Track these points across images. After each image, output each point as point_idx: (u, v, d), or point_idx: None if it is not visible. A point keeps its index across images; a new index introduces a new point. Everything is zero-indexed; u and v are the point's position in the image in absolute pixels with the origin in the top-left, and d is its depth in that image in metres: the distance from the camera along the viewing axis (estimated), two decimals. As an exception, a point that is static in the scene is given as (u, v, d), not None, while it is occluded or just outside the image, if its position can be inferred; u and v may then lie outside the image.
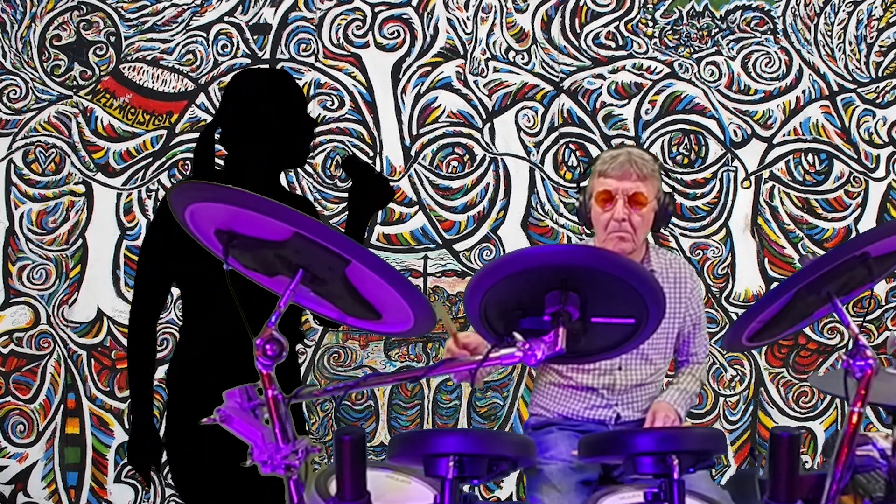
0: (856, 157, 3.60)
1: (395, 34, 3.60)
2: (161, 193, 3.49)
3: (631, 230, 2.41)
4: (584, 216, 2.52)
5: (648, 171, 2.41)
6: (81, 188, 3.58)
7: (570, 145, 3.61)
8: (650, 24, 3.59)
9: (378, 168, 3.59)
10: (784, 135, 3.61)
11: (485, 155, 3.61)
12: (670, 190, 2.51)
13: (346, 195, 3.57)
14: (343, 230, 2.51)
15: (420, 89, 3.60)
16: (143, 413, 2.42)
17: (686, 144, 3.61)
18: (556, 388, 2.57)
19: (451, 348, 2.23)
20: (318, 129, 3.58)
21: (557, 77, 3.60)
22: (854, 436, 1.57)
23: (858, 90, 3.60)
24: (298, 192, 3.57)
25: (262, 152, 2.40)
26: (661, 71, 3.60)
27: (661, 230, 2.58)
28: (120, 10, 3.58)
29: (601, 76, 3.60)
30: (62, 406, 3.59)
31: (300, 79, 3.58)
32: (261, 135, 2.38)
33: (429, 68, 3.60)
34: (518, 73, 3.61)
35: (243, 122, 2.38)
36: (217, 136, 2.44)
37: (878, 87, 3.60)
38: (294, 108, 2.42)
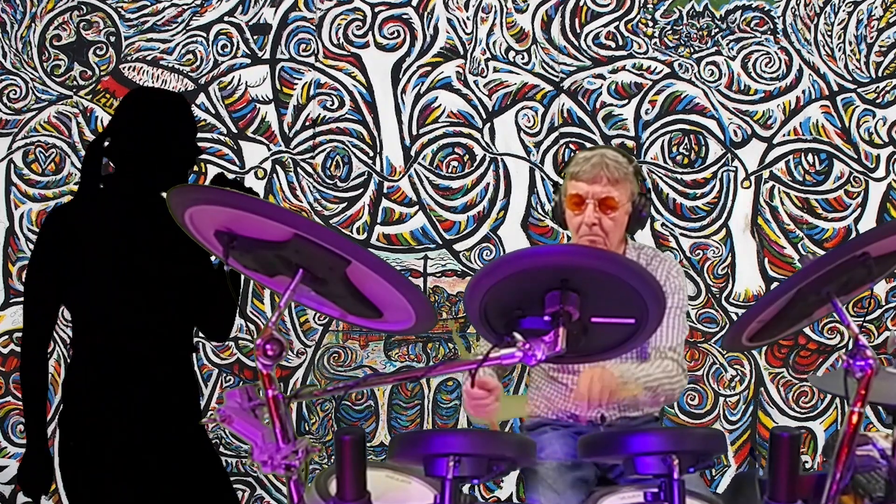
0: (856, 157, 3.60)
1: (395, 34, 3.60)
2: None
3: (602, 234, 2.39)
4: (559, 217, 2.51)
5: (621, 174, 2.39)
6: (81, 188, 3.57)
7: (570, 145, 3.61)
8: (650, 24, 3.59)
9: (378, 167, 3.59)
10: (784, 135, 3.61)
11: (485, 155, 3.61)
12: (646, 192, 2.48)
13: (346, 195, 3.59)
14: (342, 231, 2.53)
15: (420, 89, 3.60)
16: (40, 437, 2.40)
17: (686, 144, 3.61)
18: (547, 387, 2.57)
19: (467, 391, 2.24)
20: (318, 129, 3.59)
21: (557, 77, 3.60)
22: (854, 436, 1.57)
23: (858, 90, 3.60)
24: (298, 191, 3.57)
25: (144, 172, 2.41)
26: (661, 71, 3.60)
27: (658, 230, 2.55)
28: (120, 10, 3.58)
29: (601, 76, 3.60)
30: (62, 406, 3.58)
31: (300, 79, 3.59)
32: (146, 155, 2.39)
33: (429, 68, 3.60)
34: (518, 73, 3.61)
35: (131, 141, 2.40)
36: (106, 147, 2.45)
37: (878, 87, 3.60)
38: (180, 135, 2.43)
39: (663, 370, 2.37)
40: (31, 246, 3.56)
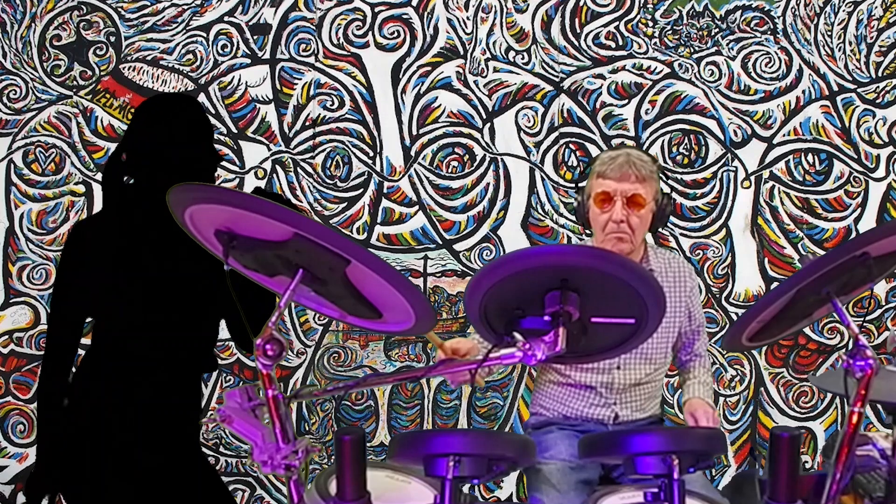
0: (856, 157, 3.60)
1: (395, 34, 3.60)
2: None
3: (629, 231, 2.42)
4: (583, 216, 2.53)
5: (647, 172, 2.42)
6: (81, 188, 3.58)
7: (570, 145, 3.61)
8: (650, 24, 3.59)
9: (378, 168, 3.60)
10: (784, 135, 3.61)
11: (485, 155, 3.61)
12: (669, 191, 2.52)
13: (346, 195, 3.59)
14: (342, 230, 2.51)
15: (420, 89, 3.60)
16: (51, 447, 2.34)
17: (686, 144, 3.61)
18: (557, 386, 2.57)
19: (440, 358, 2.25)
20: (318, 129, 3.59)
21: (557, 77, 3.60)
22: (854, 436, 1.57)
23: (858, 90, 3.60)
24: (298, 191, 3.58)
25: (162, 182, 2.35)
26: (661, 71, 3.60)
27: (660, 230, 2.59)
28: (120, 10, 3.58)
29: (601, 76, 3.60)
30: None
31: (300, 79, 3.59)
32: (162, 165, 2.32)
33: (429, 68, 3.60)
34: (518, 73, 3.61)
35: (146, 152, 2.33)
36: (123, 162, 2.37)
37: (878, 87, 3.60)
38: (196, 142, 2.37)
39: (707, 364, 2.68)
40: (32, 247, 3.57)
